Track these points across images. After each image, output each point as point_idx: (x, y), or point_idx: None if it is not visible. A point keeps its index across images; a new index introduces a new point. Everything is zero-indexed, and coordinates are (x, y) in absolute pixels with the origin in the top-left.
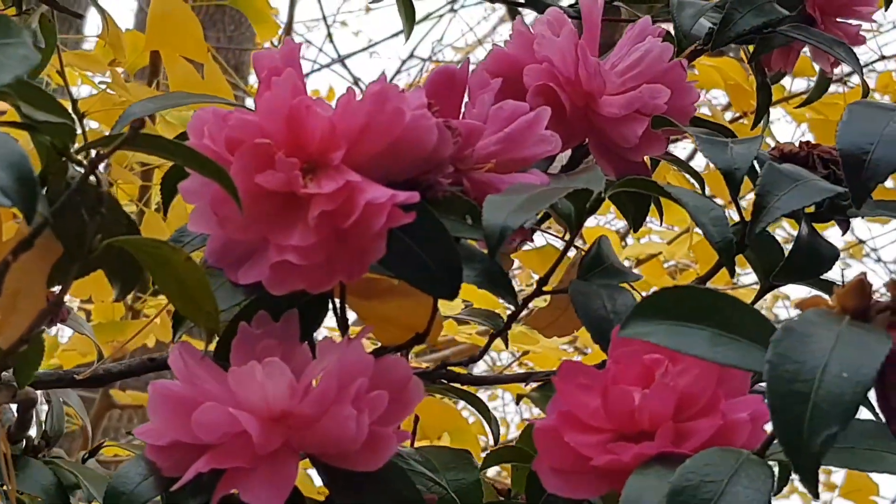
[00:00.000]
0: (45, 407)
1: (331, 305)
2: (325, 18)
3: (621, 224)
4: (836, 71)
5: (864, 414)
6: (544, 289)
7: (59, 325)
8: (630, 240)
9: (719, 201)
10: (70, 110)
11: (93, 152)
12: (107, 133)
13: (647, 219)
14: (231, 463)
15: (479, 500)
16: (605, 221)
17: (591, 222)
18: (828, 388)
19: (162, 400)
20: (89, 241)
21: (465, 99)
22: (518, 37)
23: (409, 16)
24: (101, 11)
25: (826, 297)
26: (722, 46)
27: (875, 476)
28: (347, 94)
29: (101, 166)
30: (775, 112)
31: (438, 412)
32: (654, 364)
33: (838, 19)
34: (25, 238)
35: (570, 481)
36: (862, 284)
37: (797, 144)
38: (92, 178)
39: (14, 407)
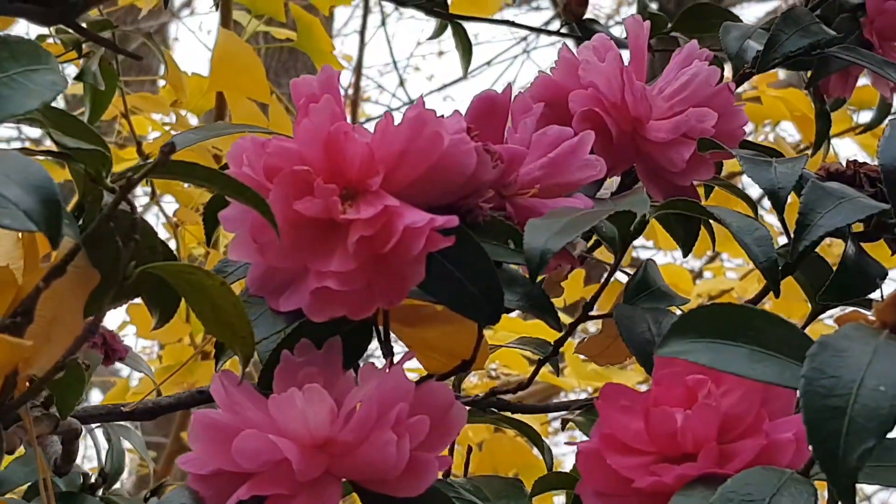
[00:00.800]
0: (106, 444)
1: (376, 333)
2: (395, 63)
3: (697, 263)
4: None
5: None
6: (590, 314)
7: (118, 363)
8: (706, 274)
9: None
10: (136, 152)
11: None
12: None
13: (721, 255)
14: (272, 490)
15: None
16: (681, 260)
17: (662, 259)
18: (864, 402)
19: (203, 428)
20: (123, 267)
21: (509, 125)
22: (563, 63)
23: (465, 50)
24: (160, 52)
25: (867, 314)
26: (768, 68)
27: None
28: (385, 120)
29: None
30: (848, 145)
31: (509, 449)
32: (697, 385)
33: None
34: (57, 264)
35: (612, 503)
36: None
37: (844, 163)
38: (126, 205)
39: (58, 439)
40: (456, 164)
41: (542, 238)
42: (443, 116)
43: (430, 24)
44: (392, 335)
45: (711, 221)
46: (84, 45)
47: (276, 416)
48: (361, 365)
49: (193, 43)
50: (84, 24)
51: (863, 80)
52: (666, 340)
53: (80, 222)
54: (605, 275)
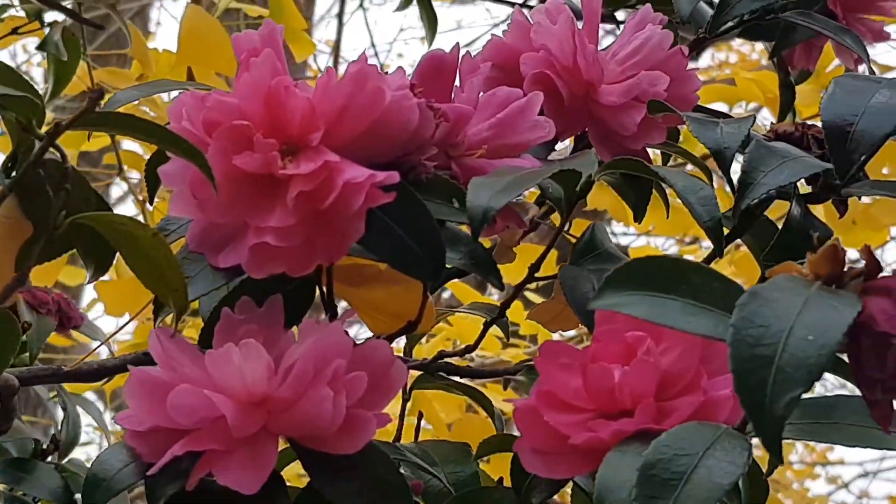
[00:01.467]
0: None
1: (319, 294)
2: (374, 48)
3: (675, 248)
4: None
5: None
6: (536, 275)
7: (72, 329)
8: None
9: None
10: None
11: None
12: (143, 154)
13: (701, 240)
14: (207, 445)
15: None
16: (661, 245)
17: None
18: (792, 351)
19: (140, 384)
20: (54, 217)
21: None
22: (516, 25)
23: (430, 22)
24: (124, 24)
25: (801, 267)
26: (720, 32)
27: None
28: (326, 75)
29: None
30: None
31: (480, 429)
32: (636, 342)
33: (861, 15)
34: None
35: (550, 461)
36: (834, 250)
37: (792, 125)
38: (57, 154)
39: None
40: (398, 121)
41: (485, 196)
42: (386, 73)
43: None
44: (336, 297)
45: (665, 186)
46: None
47: (213, 372)
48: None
49: (175, 28)
50: None
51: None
52: (601, 293)
53: (14, 174)
54: (553, 234)
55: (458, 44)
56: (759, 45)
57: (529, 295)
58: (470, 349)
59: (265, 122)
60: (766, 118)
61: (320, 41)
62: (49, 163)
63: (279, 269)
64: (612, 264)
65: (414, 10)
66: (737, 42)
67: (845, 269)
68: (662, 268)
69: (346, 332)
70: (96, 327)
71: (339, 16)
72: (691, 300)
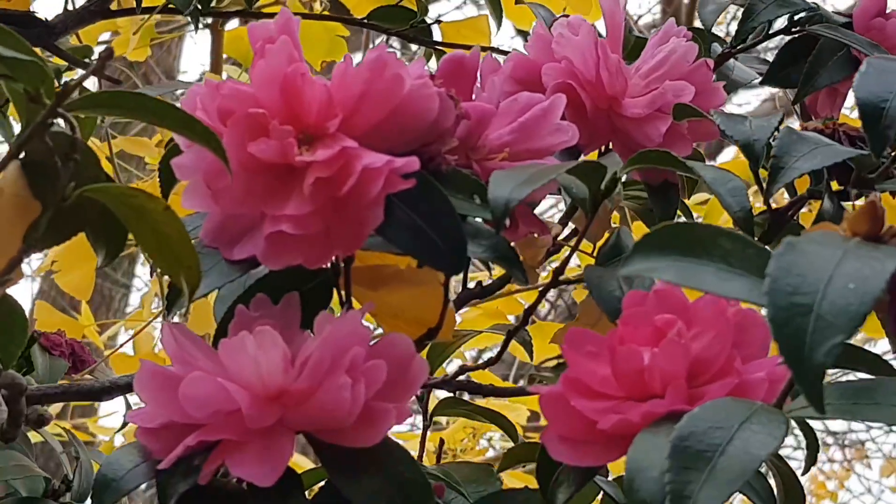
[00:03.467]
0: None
1: (337, 296)
2: None
3: None
4: None
5: None
6: (560, 279)
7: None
8: None
9: None
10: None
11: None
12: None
13: None
14: (221, 435)
15: None
16: None
17: None
18: (832, 299)
19: (151, 377)
20: (62, 187)
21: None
22: (537, 39)
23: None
24: (140, 85)
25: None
26: (746, 38)
27: None
28: (344, 63)
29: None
30: None
31: None
32: (666, 325)
33: None
34: None
35: (578, 449)
36: (874, 207)
37: (822, 123)
38: (66, 125)
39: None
40: (418, 109)
41: (507, 187)
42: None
43: None
44: (354, 301)
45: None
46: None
47: (227, 363)
48: None
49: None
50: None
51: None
52: (630, 259)
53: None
54: (577, 237)
55: (479, 47)
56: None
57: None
58: (492, 361)
59: (281, 110)
60: None
61: None
62: (57, 135)
63: (296, 260)
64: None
65: None
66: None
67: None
68: (693, 233)
69: (363, 322)
70: (109, 370)
71: None
72: (724, 265)
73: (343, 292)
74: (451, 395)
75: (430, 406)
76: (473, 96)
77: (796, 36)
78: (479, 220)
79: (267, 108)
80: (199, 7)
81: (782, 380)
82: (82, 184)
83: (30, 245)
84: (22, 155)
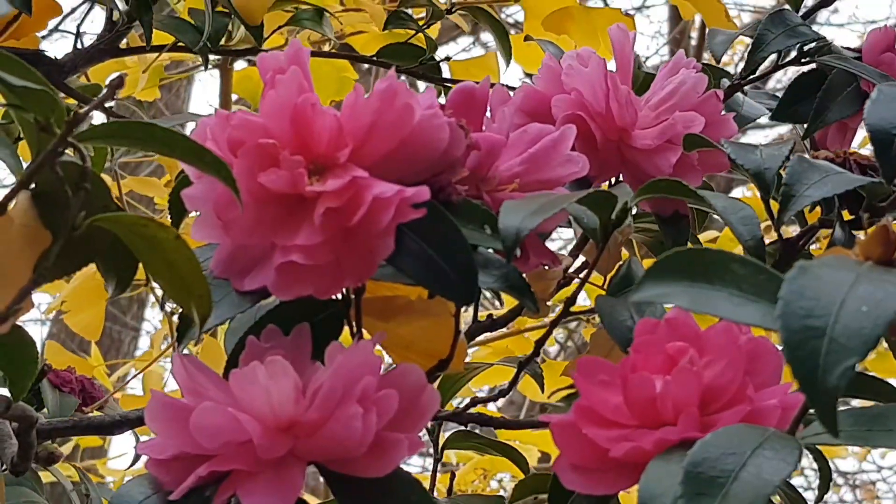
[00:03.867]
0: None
1: (348, 327)
2: None
3: None
4: None
5: None
6: (572, 309)
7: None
8: None
9: None
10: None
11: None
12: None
13: None
14: (233, 465)
15: None
16: None
17: None
18: (846, 322)
19: (162, 408)
20: (73, 217)
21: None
22: (546, 71)
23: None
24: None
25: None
26: (755, 69)
27: None
28: (354, 93)
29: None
30: None
31: None
32: (678, 353)
33: None
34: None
35: (590, 477)
36: (886, 232)
37: (833, 152)
38: (76, 155)
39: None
40: (428, 139)
41: (517, 217)
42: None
43: None
44: (365, 333)
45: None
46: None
47: (238, 393)
48: None
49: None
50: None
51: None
52: (641, 285)
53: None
54: (587, 270)
55: (488, 76)
56: None
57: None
58: (504, 393)
59: (292, 140)
60: None
61: None
62: (67, 164)
63: (307, 291)
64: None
65: None
66: None
67: None
68: (704, 258)
69: (375, 352)
70: (118, 407)
71: None
72: (736, 291)
73: (354, 324)
74: (462, 428)
75: (441, 440)
76: (483, 127)
77: (805, 71)
78: (489, 250)
79: (277, 139)
80: (209, 45)
81: (795, 407)
82: (92, 213)
83: (40, 275)
84: (32, 186)
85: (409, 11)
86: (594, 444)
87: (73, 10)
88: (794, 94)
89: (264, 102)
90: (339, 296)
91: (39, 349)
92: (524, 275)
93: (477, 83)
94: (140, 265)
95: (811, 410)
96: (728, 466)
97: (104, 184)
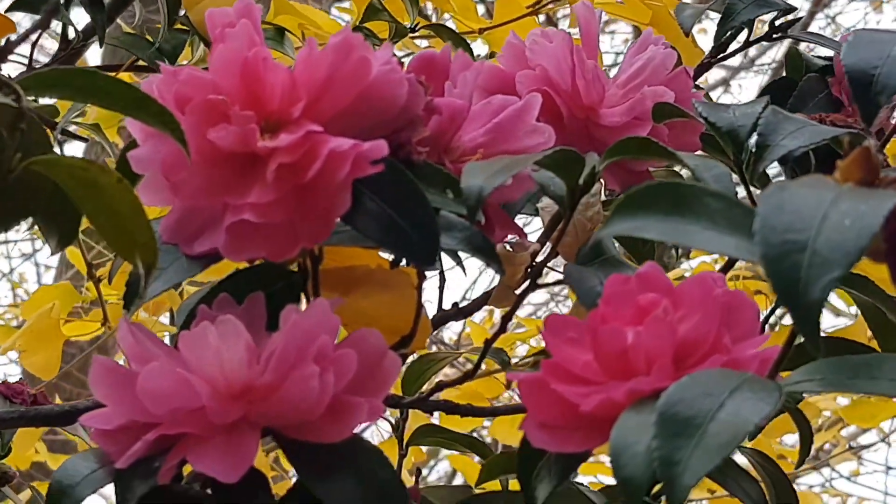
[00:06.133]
0: None
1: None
2: None
3: None
4: None
5: None
6: (538, 282)
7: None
8: None
9: None
10: None
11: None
12: None
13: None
14: (182, 429)
15: None
16: None
17: None
18: (828, 234)
19: (107, 374)
20: (8, 159)
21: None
22: (509, 49)
23: None
24: (110, 148)
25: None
26: (725, 39)
27: None
28: (308, 46)
29: None
30: None
31: None
32: (651, 305)
33: None
34: None
35: (560, 435)
36: (868, 154)
37: (810, 116)
38: (10, 95)
39: None
40: (386, 94)
41: (480, 177)
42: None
43: None
44: None
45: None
46: None
47: (188, 356)
48: None
49: None
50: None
51: None
52: (612, 219)
53: None
54: (556, 233)
55: (448, 44)
56: None
57: None
58: (470, 375)
59: (242, 96)
60: None
61: None
62: (1, 106)
63: (260, 253)
64: (620, 269)
65: None
66: None
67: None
68: (678, 191)
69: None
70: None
71: None
72: (710, 224)
73: (311, 297)
74: (427, 423)
75: (407, 434)
76: (445, 95)
77: (776, 79)
78: (452, 215)
79: (227, 94)
80: (168, 62)
81: (772, 359)
82: (28, 151)
83: None
84: None
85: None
86: (564, 399)
87: (28, 33)
88: None
89: (213, 57)
90: (297, 267)
91: None
92: None
93: (435, 51)
94: (83, 218)
95: None
96: (705, 406)
97: (44, 131)
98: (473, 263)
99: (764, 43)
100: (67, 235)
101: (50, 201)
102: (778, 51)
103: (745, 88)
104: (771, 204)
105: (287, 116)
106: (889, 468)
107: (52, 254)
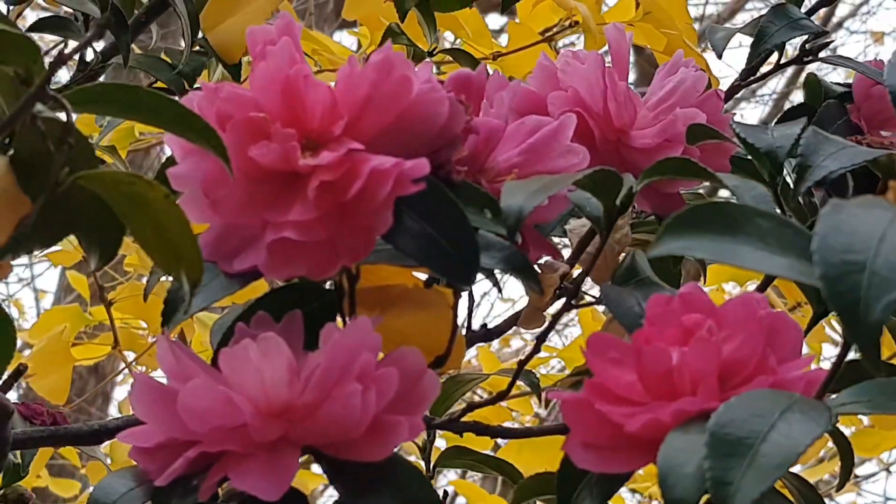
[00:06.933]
0: None
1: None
2: None
3: None
4: None
5: None
6: (573, 302)
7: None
8: None
9: None
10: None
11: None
12: None
13: None
14: (224, 447)
15: None
16: None
17: None
18: (886, 255)
19: (147, 392)
20: (56, 171)
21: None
22: (540, 70)
23: None
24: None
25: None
26: (757, 61)
27: None
28: (349, 64)
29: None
30: None
31: None
32: (695, 325)
33: (882, 132)
34: None
35: (603, 455)
36: None
37: (847, 138)
38: (56, 109)
39: None
40: (427, 113)
41: (519, 196)
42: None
43: None
44: None
45: None
46: None
47: (228, 374)
48: None
49: None
50: None
51: None
52: (660, 240)
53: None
54: (591, 258)
55: (484, 63)
56: None
57: None
58: (502, 395)
59: (283, 113)
60: None
61: None
62: (49, 120)
63: (300, 271)
64: (656, 290)
65: None
66: None
67: None
68: (727, 212)
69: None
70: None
71: None
72: (761, 244)
73: (347, 316)
74: (456, 442)
75: (433, 459)
76: (482, 114)
77: (794, 105)
78: (490, 234)
79: (268, 112)
80: (186, 84)
81: (819, 380)
82: (75, 166)
83: (20, 241)
84: (10, 152)
85: None
86: (608, 420)
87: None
88: None
89: (254, 75)
90: (333, 285)
91: None
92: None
93: (471, 71)
94: (125, 236)
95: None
96: (756, 427)
97: (89, 144)
98: (481, 287)
99: (762, 70)
100: (109, 252)
101: (93, 217)
102: (779, 82)
103: (746, 119)
104: (829, 224)
105: (328, 134)
106: (888, 499)
107: (95, 270)
